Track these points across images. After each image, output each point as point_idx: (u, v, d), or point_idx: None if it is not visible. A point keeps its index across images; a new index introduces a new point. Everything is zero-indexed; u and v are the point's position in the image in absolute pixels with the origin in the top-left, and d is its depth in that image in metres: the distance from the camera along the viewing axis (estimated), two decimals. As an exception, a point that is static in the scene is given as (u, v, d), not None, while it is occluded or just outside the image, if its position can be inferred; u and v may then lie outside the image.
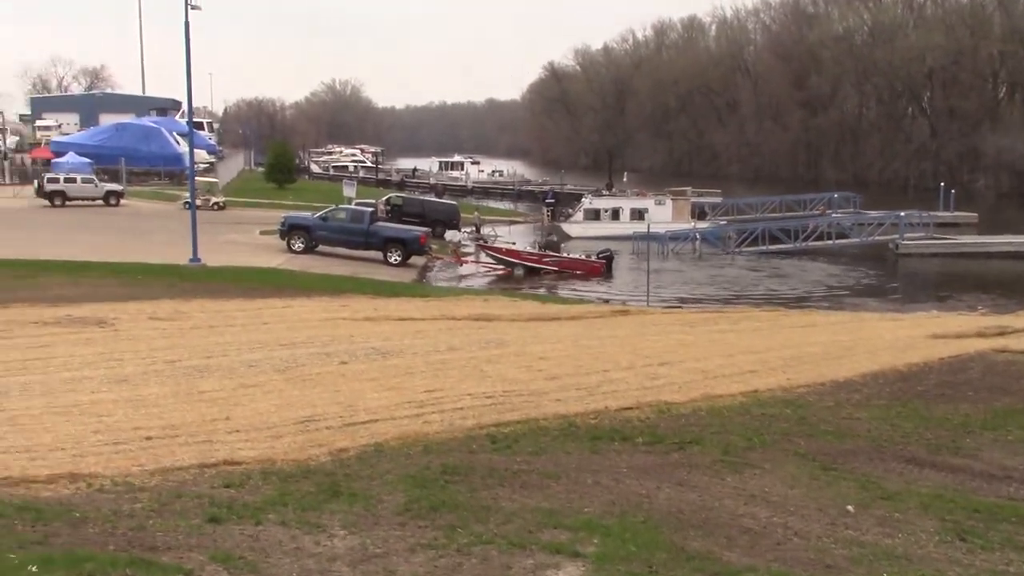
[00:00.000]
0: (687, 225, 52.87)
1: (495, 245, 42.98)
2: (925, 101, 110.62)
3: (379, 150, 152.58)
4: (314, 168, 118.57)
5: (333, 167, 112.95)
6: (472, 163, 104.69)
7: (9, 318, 20.75)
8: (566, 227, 54.45)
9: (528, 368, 17.35)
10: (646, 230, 48.35)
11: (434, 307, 25.78)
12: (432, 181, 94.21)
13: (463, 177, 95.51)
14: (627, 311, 27.25)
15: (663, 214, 54.17)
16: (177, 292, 26.07)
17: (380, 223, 40.79)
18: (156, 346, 18.25)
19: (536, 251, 41.37)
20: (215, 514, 9.36)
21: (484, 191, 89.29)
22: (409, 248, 39.53)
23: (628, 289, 38.12)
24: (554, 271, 40.55)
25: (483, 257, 43.01)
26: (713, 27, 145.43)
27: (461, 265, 41.58)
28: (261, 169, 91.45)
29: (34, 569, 6.50)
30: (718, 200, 60.86)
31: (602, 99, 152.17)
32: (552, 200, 63.63)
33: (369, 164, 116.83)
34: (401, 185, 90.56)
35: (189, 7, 33.06)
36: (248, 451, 11.86)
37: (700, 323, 25.02)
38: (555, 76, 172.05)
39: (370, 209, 41.86)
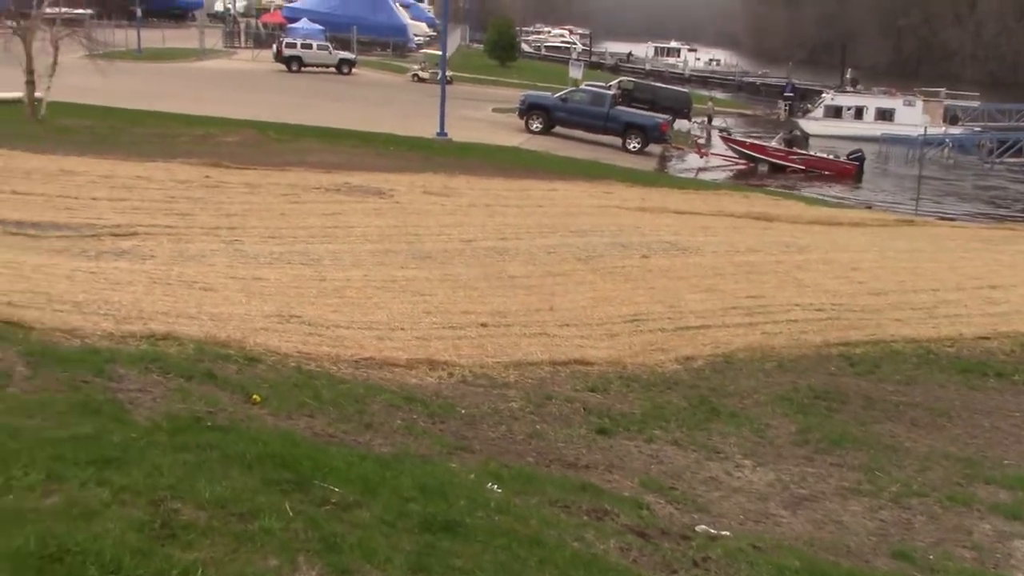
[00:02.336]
0: (939, 129, 48.65)
1: (738, 139, 40.68)
2: None
3: (588, 32, 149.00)
4: (524, 47, 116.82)
5: (545, 47, 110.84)
6: (689, 50, 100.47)
7: (291, 182, 20.63)
8: (803, 123, 51.13)
9: (845, 279, 15.80)
10: (896, 132, 45.00)
11: (703, 201, 24.28)
12: (647, 67, 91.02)
13: (680, 64, 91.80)
14: (911, 221, 24.97)
15: (912, 116, 49.99)
16: (436, 166, 25.53)
17: (620, 108, 39.12)
18: (444, 222, 17.66)
19: (782, 147, 38.85)
20: (601, 425, 8.52)
21: (702, 80, 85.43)
22: (649, 135, 37.78)
23: (886, 196, 35.29)
24: (800, 170, 38.04)
25: (723, 149, 40.88)
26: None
27: (702, 156, 39.61)
28: (477, 45, 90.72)
29: (496, 488, 5.71)
30: (974, 104, 55.83)
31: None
32: (791, 94, 59.99)
33: (579, 46, 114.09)
34: (615, 69, 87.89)
35: None
36: (591, 350, 11.02)
37: (1000, 240, 22.58)
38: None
39: (612, 92, 40.23)
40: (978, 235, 23.57)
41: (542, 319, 12.08)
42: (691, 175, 37.26)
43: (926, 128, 40.46)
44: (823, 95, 54.50)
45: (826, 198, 31.42)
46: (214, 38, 67.71)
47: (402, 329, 10.96)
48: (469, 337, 10.95)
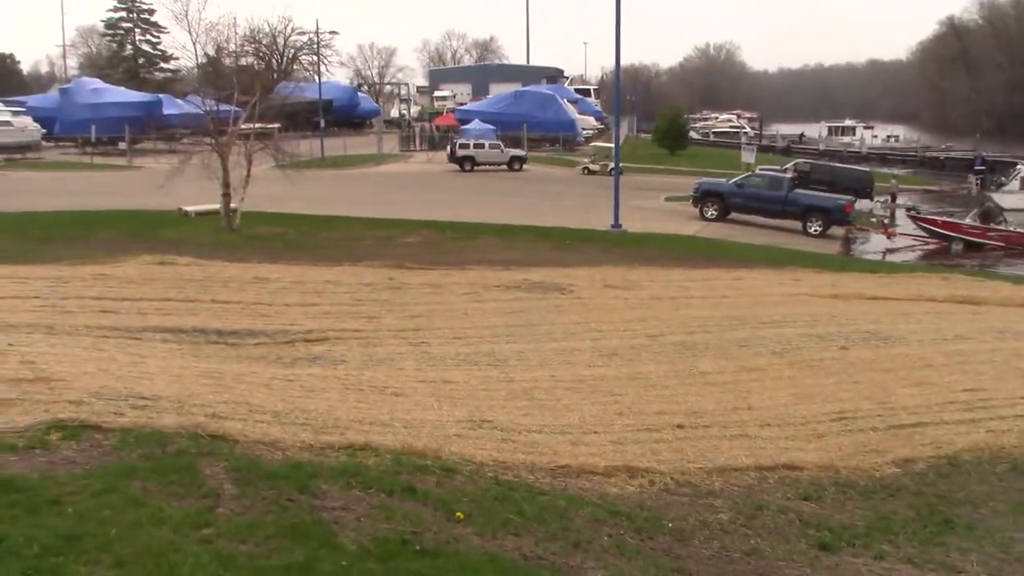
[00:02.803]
0: None
1: (929, 216, 38.74)
2: None
3: (756, 115, 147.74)
4: (692, 134, 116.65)
5: (714, 132, 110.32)
6: (865, 127, 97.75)
7: (472, 280, 20.79)
8: (997, 197, 48.35)
9: (1076, 368, 14.41)
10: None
11: (899, 285, 23.01)
12: (821, 147, 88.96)
13: (856, 142, 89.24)
14: None
15: (1120, 185, 46.56)
16: (614, 259, 25.28)
17: (799, 191, 38.05)
18: (628, 317, 17.27)
19: (978, 224, 36.70)
20: (821, 539, 7.81)
21: (881, 157, 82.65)
22: (832, 217, 36.49)
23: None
24: (1000, 247, 35.76)
25: (911, 228, 38.99)
26: None
27: (889, 238, 37.86)
28: (645, 135, 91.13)
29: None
30: None
31: (1011, 55, 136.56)
32: (982, 167, 57.09)
33: (748, 130, 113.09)
34: (787, 151, 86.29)
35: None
36: (797, 452, 10.27)
37: None
38: (954, 31, 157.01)
39: (789, 175, 39.27)
40: None
41: (741, 419, 11.44)
42: (878, 257, 35.66)
43: None
44: (1018, 166, 51.47)
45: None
46: (391, 143, 70.64)
47: (595, 432, 10.56)
48: (666, 440, 10.43)
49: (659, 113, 79.11)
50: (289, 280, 19.50)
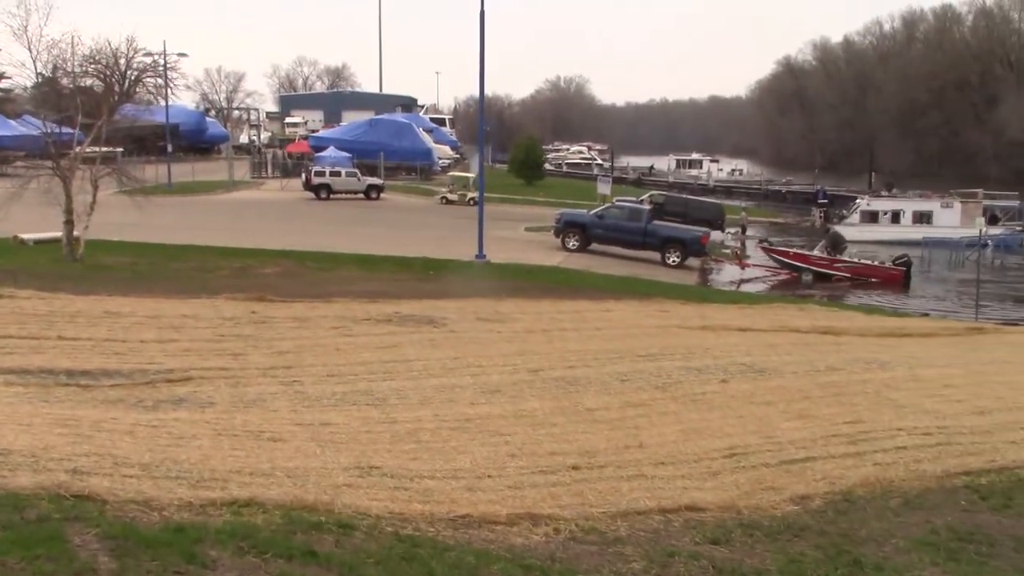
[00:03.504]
0: (975, 231, 47.90)
1: (780, 248, 40.06)
2: None
3: (606, 147, 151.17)
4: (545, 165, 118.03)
5: (567, 164, 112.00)
6: (711, 161, 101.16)
7: (339, 313, 20.02)
8: (839, 229, 50.64)
9: (941, 398, 14.83)
10: (935, 235, 44.50)
11: (762, 316, 23.46)
12: (671, 179, 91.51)
13: (703, 175, 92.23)
14: (982, 329, 24.01)
15: (950, 218, 49.48)
16: (482, 290, 24.89)
17: (657, 222, 38.69)
18: (505, 351, 16.87)
19: (826, 255, 38.14)
20: (740, 587, 7.51)
21: (727, 190, 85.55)
22: (689, 249, 37.25)
23: (939, 302, 34.34)
24: (847, 278, 37.25)
25: (762, 259, 40.22)
26: (970, 17, 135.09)
27: (742, 268, 38.94)
28: (500, 165, 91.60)
29: None
30: (1014, 204, 55.22)
31: (842, 95, 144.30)
32: (825, 200, 59.67)
33: (600, 161, 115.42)
34: (638, 182, 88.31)
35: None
36: (696, 492, 10.03)
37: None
38: (790, 71, 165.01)
39: (648, 207, 39.90)
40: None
41: (634, 457, 11.15)
42: (733, 287, 36.56)
43: (982, 229, 39.75)
44: (858, 200, 54.10)
45: (883, 306, 30.51)
46: (242, 169, 68.59)
47: (489, 476, 10.05)
48: (563, 483, 10.01)
49: (515, 144, 79.62)
50: (143, 314, 18.28)
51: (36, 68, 29.44)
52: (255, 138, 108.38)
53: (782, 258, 38.74)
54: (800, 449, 11.81)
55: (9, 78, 41.27)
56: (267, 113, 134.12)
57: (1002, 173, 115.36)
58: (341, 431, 11.30)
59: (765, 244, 41.23)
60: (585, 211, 40.87)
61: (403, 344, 17.06)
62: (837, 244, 39.65)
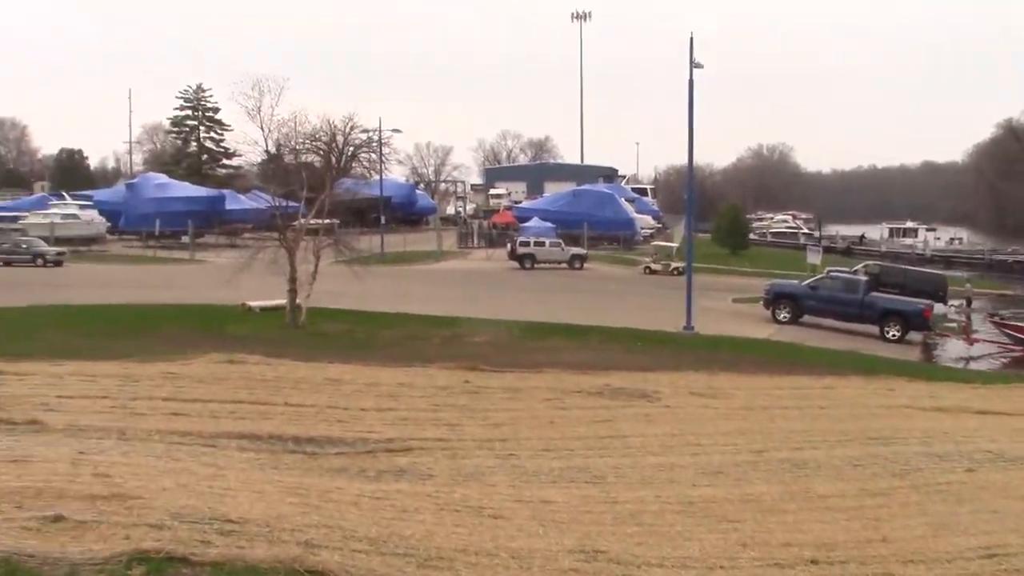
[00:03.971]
0: None
1: (1013, 323, 37.16)
2: None
3: (811, 216, 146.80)
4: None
5: (771, 233, 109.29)
6: (928, 229, 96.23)
7: (550, 384, 19.83)
8: (1080, 303, 46.75)
9: None
10: None
11: (1001, 398, 21.63)
12: (883, 248, 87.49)
13: (919, 244, 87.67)
14: None
15: None
16: (692, 363, 24.16)
17: (875, 293, 36.76)
18: (724, 429, 16.15)
19: (1069, 331, 35.10)
20: None
21: (946, 260, 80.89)
22: (911, 322, 35.18)
23: None
24: (1090, 355, 34.09)
25: (990, 334, 37.41)
26: None
27: (970, 344, 36.33)
28: (702, 235, 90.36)
29: None
30: None
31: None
32: (1064, 270, 55.44)
33: (805, 231, 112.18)
34: (848, 251, 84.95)
35: (693, 67, 31.69)
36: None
37: None
38: (1012, 133, 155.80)
39: (865, 278, 38.03)
40: None
41: (878, 553, 10.24)
42: (960, 365, 34.14)
43: None
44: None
45: None
46: (449, 240, 70.60)
47: (721, 568, 9.45)
48: (800, 579, 9.27)
49: (719, 212, 78.37)
50: (362, 382, 18.69)
51: (266, 145, 31.36)
52: (460, 209, 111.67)
53: (1016, 333, 35.87)
54: (1070, 551, 10.55)
55: (241, 155, 44.15)
56: (472, 185, 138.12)
57: None
58: (561, 509, 10.96)
59: (996, 318, 38.37)
60: (797, 282, 39.40)
61: (617, 419, 16.64)
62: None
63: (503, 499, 11.17)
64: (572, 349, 26.32)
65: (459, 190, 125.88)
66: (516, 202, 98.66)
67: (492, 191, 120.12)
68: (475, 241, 72.61)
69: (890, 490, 12.81)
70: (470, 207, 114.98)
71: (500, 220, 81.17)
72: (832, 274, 38.90)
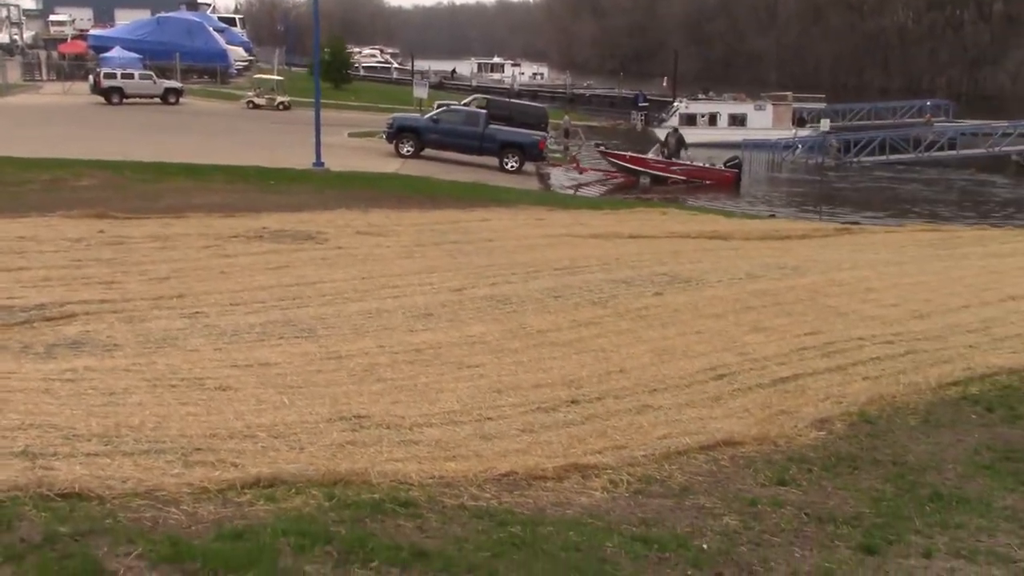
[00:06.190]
0: (788, 133, 49.49)
1: (618, 152, 39.62)
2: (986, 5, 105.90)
3: (397, 51, 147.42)
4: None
5: (363, 67, 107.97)
6: (513, 65, 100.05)
7: (200, 230, 17.71)
8: (659, 132, 50.98)
9: (875, 303, 14.54)
10: (753, 137, 45.63)
11: (637, 222, 22.81)
12: (473, 83, 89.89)
13: (507, 80, 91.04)
14: (849, 230, 24.26)
15: (763, 120, 50.80)
16: (338, 200, 22.95)
17: (494, 126, 37.25)
18: (411, 269, 15.29)
19: (663, 159, 38.06)
20: (857, 539, 6.60)
21: (532, 94, 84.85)
22: (527, 154, 36.19)
23: (769, 203, 35.02)
24: (681, 181, 37.36)
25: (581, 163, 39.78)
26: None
27: (581, 172, 38.33)
28: (297, 68, 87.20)
29: None
30: (821, 106, 57.34)
31: (633, 0, 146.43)
32: (646, 104, 59.87)
33: (396, 65, 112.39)
34: (440, 86, 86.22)
35: None
36: (714, 422, 9.11)
37: (945, 244, 22.12)
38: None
39: (485, 111, 38.34)
40: (916, 239, 23.08)
41: (622, 385, 10.06)
42: (571, 192, 35.99)
43: (826, 129, 40.74)
44: (676, 103, 54.57)
45: (733, 209, 30.68)
46: (13, 72, 61.65)
47: (490, 419, 8.71)
48: (575, 422, 8.81)
49: (321, 46, 75.34)
50: (-34, 238, 15.42)
51: None
52: (16, 37, 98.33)
53: (619, 161, 38.38)
54: (780, 366, 11.08)
55: None
56: (23, 11, 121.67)
57: (782, 78, 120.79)
58: (288, 372, 9.57)
59: (602, 148, 40.74)
60: (419, 115, 38.92)
61: (294, 264, 15.15)
62: (681, 145, 39.54)
63: (216, 366, 9.53)
64: (200, 190, 23.85)
65: (11, 15, 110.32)
66: (83, 30, 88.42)
67: (52, 17, 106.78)
68: (44, 73, 64.12)
69: (597, 319, 12.74)
70: (28, 35, 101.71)
71: (70, 50, 72.28)
72: (453, 107, 38.79)
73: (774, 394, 10.09)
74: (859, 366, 11.22)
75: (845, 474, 7.96)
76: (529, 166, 37.30)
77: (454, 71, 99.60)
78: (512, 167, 35.68)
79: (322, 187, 25.95)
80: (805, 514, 7.00)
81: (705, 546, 6.14)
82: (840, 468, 8.10)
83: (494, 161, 35.89)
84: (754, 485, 7.57)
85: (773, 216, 29.53)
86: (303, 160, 30.08)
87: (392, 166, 33.46)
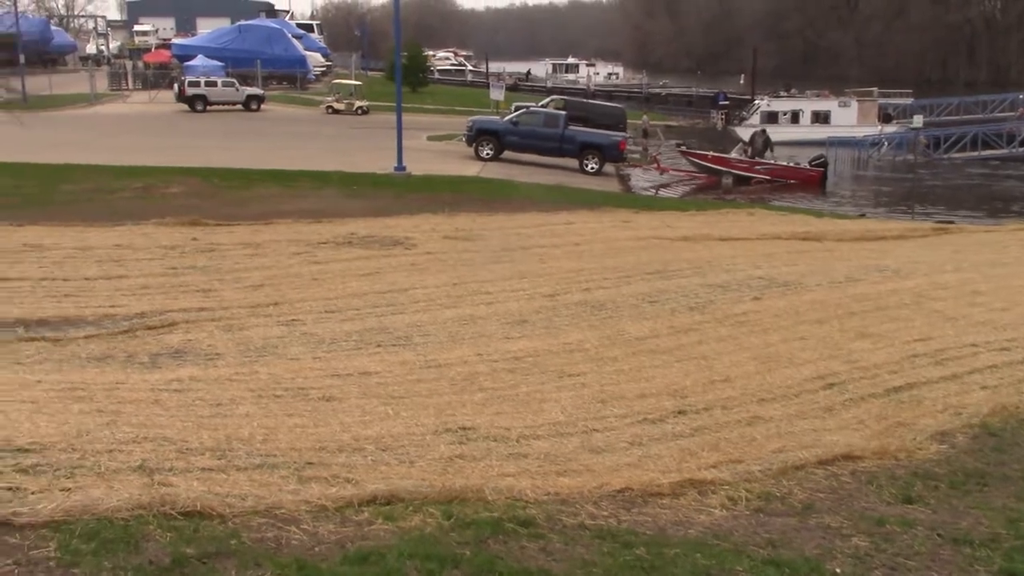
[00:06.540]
0: (874, 129, 48.27)
1: (699, 152, 39.04)
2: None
3: (470, 53, 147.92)
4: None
5: (438, 70, 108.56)
6: (588, 65, 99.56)
7: (289, 237, 17.83)
8: (740, 131, 50.16)
9: (983, 307, 13.97)
10: (837, 134, 44.62)
11: (726, 223, 22.38)
12: (548, 84, 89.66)
13: (581, 80, 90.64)
14: (946, 229, 23.52)
15: (847, 117, 49.62)
16: (422, 205, 22.96)
17: (573, 128, 36.99)
18: (502, 274, 15.16)
19: (746, 158, 37.39)
20: (991, 562, 6.23)
21: (607, 95, 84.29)
22: (607, 155, 35.85)
23: (857, 202, 34.16)
24: (766, 180, 36.64)
25: (673, 164, 39.26)
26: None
27: (661, 173, 37.86)
28: (374, 73, 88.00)
29: None
30: (908, 102, 55.94)
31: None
32: (726, 102, 59.05)
33: (470, 67, 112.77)
34: (515, 88, 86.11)
35: None
36: (829, 435, 8.73)
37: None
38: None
39: (565, 113, 38.09)
40: (1018, 238, 22.22)
41: (729, 395, 9.76)
42: (652, 193, 35.55)
43: (919, 125, 39.65)
44: (757, 101, 53.64)
45: (821, 209, 29.98)
46: (101, 82, 63.29)
47: (596, 431, 8.49)
48: (684, 435, 8.54)
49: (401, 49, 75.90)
50: (70, 247, 15.73)
51: None
52: (103, 48, 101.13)
53: (701, 161, 37.79)
54: (892, 374, 10.65)
55: None
56: (108, 21, 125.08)
57: (863, 74, 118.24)
58: (388, 381, 9.48)
59: (683, 147, 40.18)
60: (498, 117, 38.86)
61: (384, 270, 15.13)
62: (768, 145, 38.84)
63: (318, 375, 9.48)
64: (287, 196, 24.10)
65: (99, 27, 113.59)
66: (166, 40, 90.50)
67: (136, 28, 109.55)
68: (131, 82, 65.70)
69: (696, 326, 12.44)
70: (114, 45, 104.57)
71: (155, 59, 74.08)
72: (532, 109, 38.63)
73: (889, 405, 9.68)
74: (975, 374, 10.73)
75: (975, 492, 7.57)
76: (609, 167, 36.98)
77: (529, 72, 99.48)
78: (592, 169, 35.39)
79: (404, 191, 26.03)
80: (938, 535, 6.63)
81: (838, 570, 5.84)
82: (969, 485, 7.70)
83: (573, 163, 35.64)
84: (879, 503, 7.22)
85: (863, 216, 28.74)
86: (384, 164, 30.19)
87: (472, 169, 33.44)
